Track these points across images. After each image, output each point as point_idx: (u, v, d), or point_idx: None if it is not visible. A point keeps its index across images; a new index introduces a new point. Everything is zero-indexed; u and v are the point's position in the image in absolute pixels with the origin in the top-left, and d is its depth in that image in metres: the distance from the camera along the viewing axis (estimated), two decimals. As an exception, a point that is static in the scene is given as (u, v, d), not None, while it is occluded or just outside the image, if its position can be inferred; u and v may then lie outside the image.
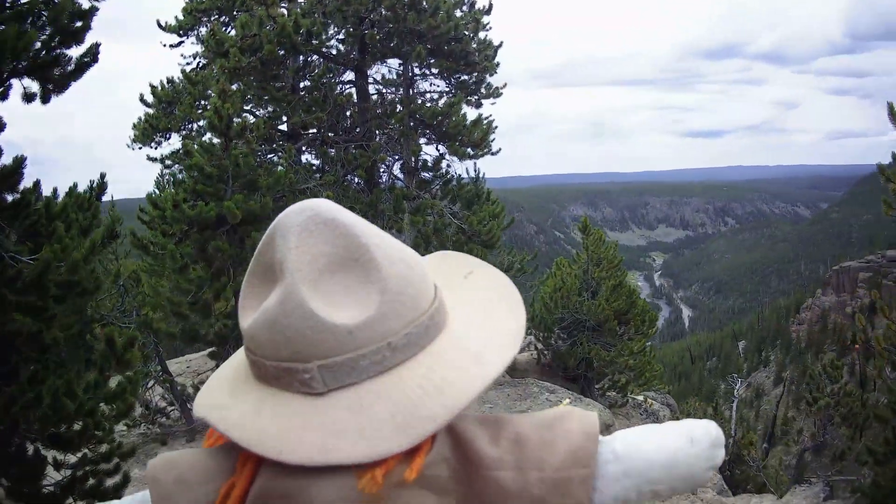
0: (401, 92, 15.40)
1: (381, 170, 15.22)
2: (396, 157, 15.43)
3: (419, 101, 14.84)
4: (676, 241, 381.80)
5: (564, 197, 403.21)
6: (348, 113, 15.46)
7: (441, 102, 14.82)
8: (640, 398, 20.32)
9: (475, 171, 16.58)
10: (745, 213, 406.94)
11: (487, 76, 15.91)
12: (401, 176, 15.72)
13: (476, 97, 16.02)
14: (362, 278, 1.02)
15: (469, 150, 14.86)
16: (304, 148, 15.26)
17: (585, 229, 19.63)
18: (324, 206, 1.03)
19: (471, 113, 15.29)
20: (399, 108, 14.79)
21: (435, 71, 15.55)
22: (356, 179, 14.89)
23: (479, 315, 1.22)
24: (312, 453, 0.94)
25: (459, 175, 15.87)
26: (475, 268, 1.37)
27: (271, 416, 1.01)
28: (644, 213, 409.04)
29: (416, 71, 15.51)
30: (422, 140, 15.42)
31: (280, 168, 12.91)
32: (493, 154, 15.81)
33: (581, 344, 18.18)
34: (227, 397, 1.09)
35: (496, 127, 15.55)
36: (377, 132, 15.03)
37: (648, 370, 19.53)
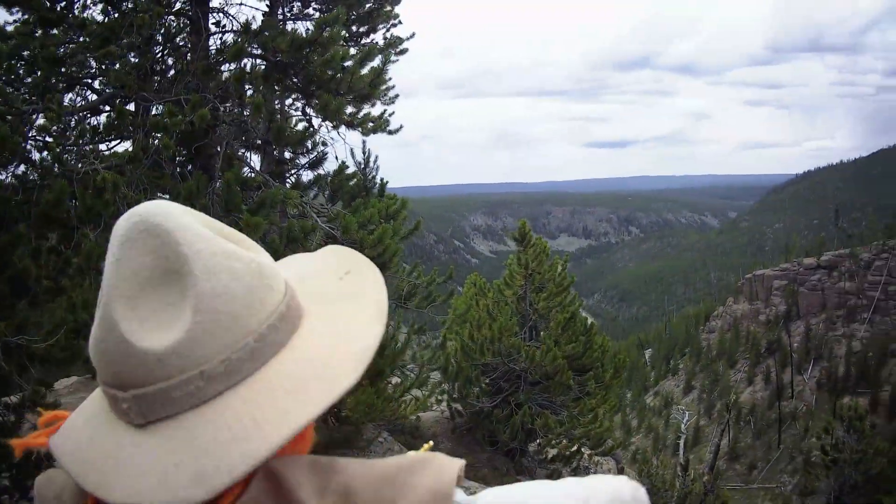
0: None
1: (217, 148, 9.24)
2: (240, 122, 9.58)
3: (276, 30, 9.27)
4: (578, 250, 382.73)
5: (465, 207, 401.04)
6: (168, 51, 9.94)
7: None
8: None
9: (364, 152, 11.63)
10: (650, 223, 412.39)
11: (388, 5, 10.93)
12: (263, 158, 10.49)
13: (369, 39, 11.05)
14: (178, 295, 0.89)
15: (351, 108, 9.74)
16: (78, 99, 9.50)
17: (524, 238, 14.73)
18: (152, 210, 0.90)
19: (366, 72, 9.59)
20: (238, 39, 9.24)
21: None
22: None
23: (330, 332, 1.03)
24: (123, 494, 0.84)
25: (343, 163, 10.36)
26: (353, 267, 1.15)
27: (100, 447, 0.92)
28: (545, 222, 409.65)
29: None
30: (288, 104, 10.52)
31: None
32: (390, 132, 10.82)
33: (518, 406, 13.17)
34: (81, 420, 0.99)
35: (391, 82, 10.51)
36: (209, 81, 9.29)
37: (608, 432, 14.11)
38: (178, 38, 10.05)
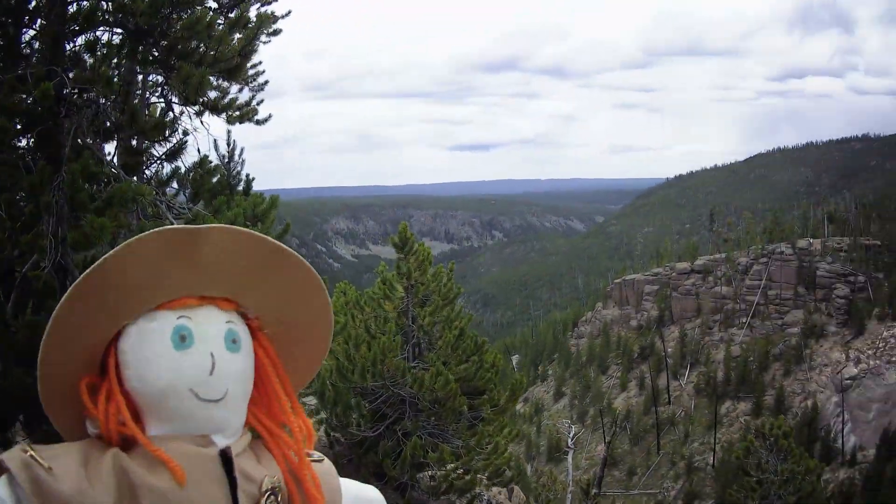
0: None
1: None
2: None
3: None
4: (441, 254, 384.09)
5: (328, 210, 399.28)
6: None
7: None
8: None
9: (229, 144, 10.20)
10: (514, 227, 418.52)
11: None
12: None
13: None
14: None
15: (214, 93, 8.44)
16: None
17: (405, 244, 13.01)
18: None
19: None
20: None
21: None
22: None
23: None
24: None
25: (205, 156, 8.66)
26: None
27: None
28: (407, 226, 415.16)
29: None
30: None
31: None
32: (259, 122, 9.23)
33: (406, 435, 11.44)
34: None
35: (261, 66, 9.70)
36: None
37: (508, 461, 12.72)
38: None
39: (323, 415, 12.42)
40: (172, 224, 6.83)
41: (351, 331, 12.61)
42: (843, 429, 55.80)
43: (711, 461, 58.24)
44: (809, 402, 59.23)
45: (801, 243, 76.92)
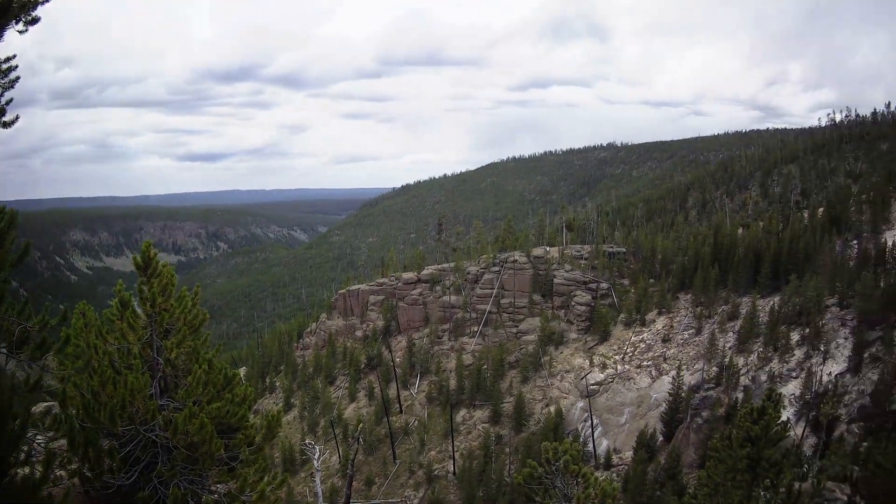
0: None
1: None
2: None
3: None
4: (169, 266, 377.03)
5: (67, 221, 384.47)
6: None
7: None
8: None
9: None
10: (238, 238, 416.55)
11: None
12: None
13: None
14: None
15: None
16: None
17: (147, 265, 12.05)
18: None
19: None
20: None
21: None
22: None
23: None
24: None
25: None
26: None
27: None
28: (139, 237, 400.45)
29: None
30: None
31: None
32: (6, 125, 8.90)
33: (163, 483, 10.45)
34: None
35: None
36: None
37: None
38: None
39: (75, 465, 10.82)
40: None
41: (95, 364, 11.15)
42: (592, 433, 57.23)
43: (452, 469, 58.70)
44: (552, 408, 60.17)
45: (537, 251, 78.57)
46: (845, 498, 22.98)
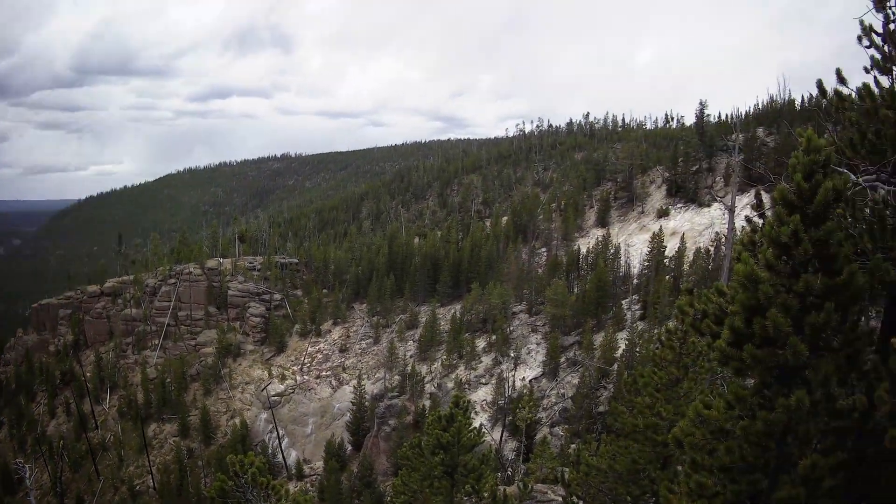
0: None
1: None
2: None
3: None
4: None
5: None
6: None
7: None
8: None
9: None
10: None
11: None
12: None
13: None
14: None
15: None
16: None
17: None
18: None
19: None
20: None
21: None
22: None
23: None
24: None
25: None
26: None
27: None
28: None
29: None
30: None
31: None
32: None
33: None
34: None
35: None
36: None
37: None
38: None
39: None
40: None
41: None
42: (280, 444, 57.79)
43: (152, 484, 58.16)
44: (237, 420, 60.74)
45: (211, 263, 78.71)
46: (560, 499, 21.99)
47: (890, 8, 7.98)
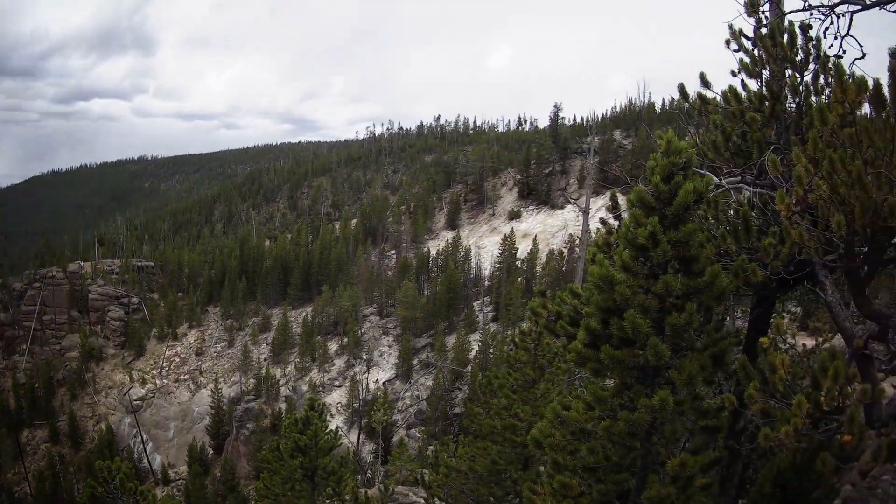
0: None
1: None
2: None
3: None
4: None
5: None
6: None
7: None
8: None
9: None
10: None
11: None
12: None
13: None
14: None
15: None
16: None
17: None
18: None
19: None
20: None
21: None
22: None
23: None
24: None
25: None
26: None
27: None
28: None
29: None
30: None
31: None
32: None
33: None
34: None
35: None
36: None
37: None
38: None
39: None
40: None
41: None
42: (144, 448, 57.38)
43: (30, 491, 56.80)
44: (103, 425, 59.80)
45: (72, 266, 77.71)
46: (422, 501, 22.20)
47: (763, 13, 8.21)
